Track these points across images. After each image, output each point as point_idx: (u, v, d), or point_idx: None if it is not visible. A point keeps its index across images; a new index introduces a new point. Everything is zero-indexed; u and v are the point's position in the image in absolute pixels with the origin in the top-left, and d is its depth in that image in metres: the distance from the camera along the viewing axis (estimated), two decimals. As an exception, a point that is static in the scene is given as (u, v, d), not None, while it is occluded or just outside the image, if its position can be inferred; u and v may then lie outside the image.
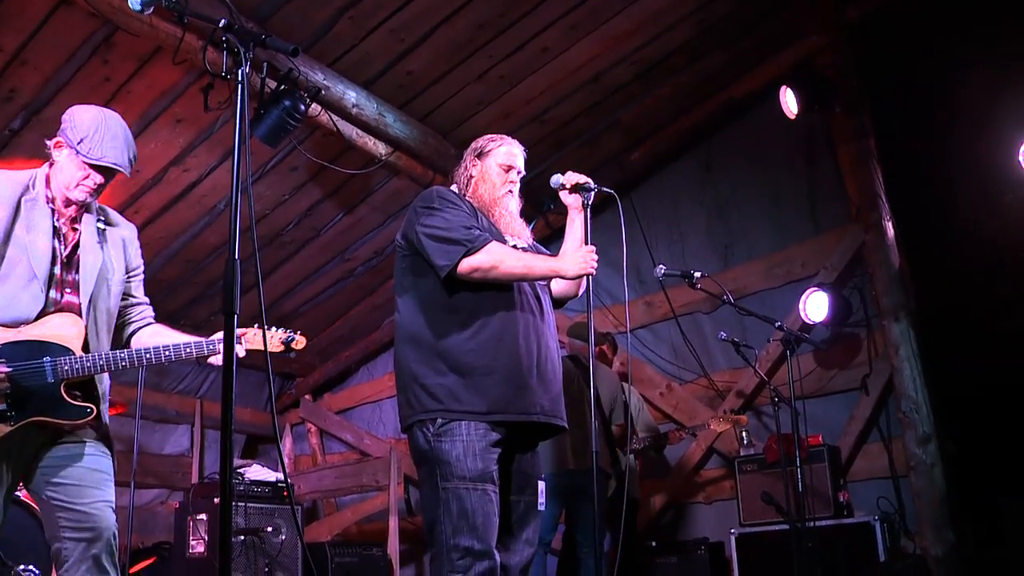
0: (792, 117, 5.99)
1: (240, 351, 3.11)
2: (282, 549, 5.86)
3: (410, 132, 5.93)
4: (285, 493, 6.06)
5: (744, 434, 6.11)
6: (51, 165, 3.03)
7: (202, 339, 3.14)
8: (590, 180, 3.35)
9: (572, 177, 3.36)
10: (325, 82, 5.27)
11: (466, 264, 3.09)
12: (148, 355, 3.04)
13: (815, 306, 5.90)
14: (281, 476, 6.16)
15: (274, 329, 3.26)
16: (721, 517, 6.23)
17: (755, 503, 5.67)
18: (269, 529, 5.81)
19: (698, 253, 6.81)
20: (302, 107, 5.07)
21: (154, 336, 3.20)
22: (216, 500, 5.63)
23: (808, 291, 5.97)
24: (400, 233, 3.33)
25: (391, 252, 7.18)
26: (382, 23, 5.13)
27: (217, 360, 3.13)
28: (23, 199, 2.95)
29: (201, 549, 5.66)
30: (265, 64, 4.89)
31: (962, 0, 5.45)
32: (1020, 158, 5.17)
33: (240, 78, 2.26)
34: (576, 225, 3.39)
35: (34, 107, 5.05)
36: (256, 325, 3.18)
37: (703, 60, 6.27)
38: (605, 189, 3.38)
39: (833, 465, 5.58)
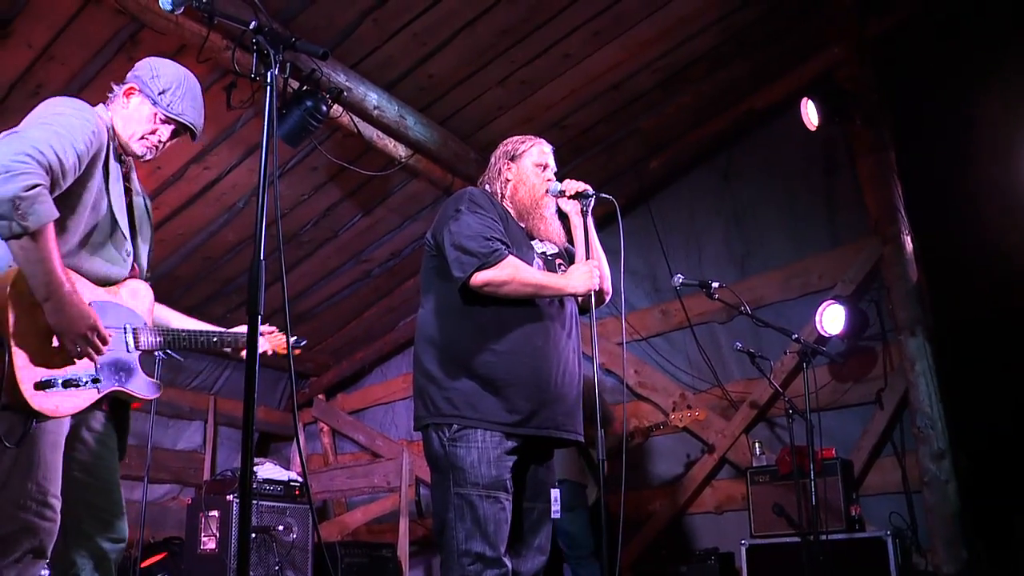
0: (813, 129, 5.97)
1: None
2: (293, 548, 5.88)
3: (430, 135, 5.95)
4: (297, 492, 6.08)
5: (757, 445, 6.11)
6: (111, 110, 2.83)
7: (222, 329, 3.10)
8: (588, 187, 3.35)
9: (571, 185, 3.36)
10: (347, 83, 5.29)
11: (478, 278, 3.10)
12: (203, 338, 2.97)
13: (831, 319, 5.89)
14: (294, 475, 6.18)
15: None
16: (732, 528, 6.21)
17: (767, 515, 5.65)
18: (280, 528, 5.84)
19: (715, 262, 6.80)
20: (324, 108, 5.10)
21: (182, 320, 3.10)
22: (228, 497, 5.66)
23: (825, 303, 5.95)
24: (430, 232, 3.33)
25: (408, 254, 7.20)
26: (405, 26, 5.15)
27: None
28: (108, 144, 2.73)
29: (212, 545, 5.67)
30: (288, 65, 4.91)
31: (984, 16, 5.44)
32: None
33: (269, 80, 2.28)
34: (579, 235, 3.39)
35: (59, 103, 5.08)
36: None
37: (725, 70, 6.27)
38: (604, 195, 3.36)
39: (846, 479, 5.56)
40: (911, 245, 5.84)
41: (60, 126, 2.49)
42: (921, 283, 5.77)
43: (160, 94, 2.79)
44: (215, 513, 5.73)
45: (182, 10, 2.37)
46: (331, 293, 7.65)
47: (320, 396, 8.85)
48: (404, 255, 7.25)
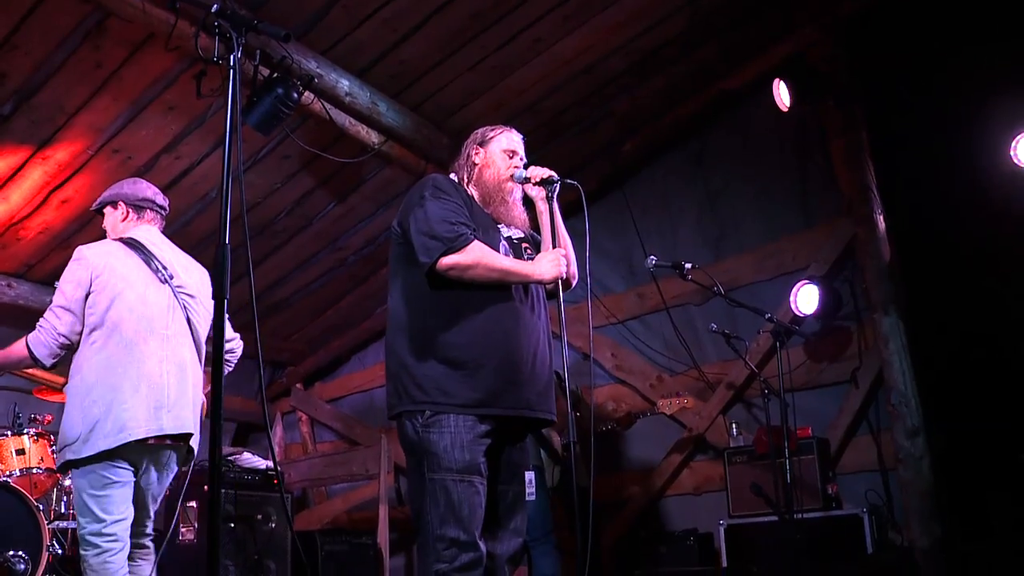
0: (785, 110, 5.99)
1: None
2: (272, 537, 5.87)
3: (403, 121, 5.92)
4: (275, 481, 6.06)
5: (734, 426, 6.14)
6: None
7: None
8: (554, 174, 3.37)
9: (537, 171, 3.38)
10: (318, 70, 5.25)
11: (444, 262, 3.10)
12: None
13: (806, 299, 5.92)
14: (271, 464, 6.16)
15: None
16: (710, 508, 6.24)
17: (744, 494, 5.69)
18: (259, 517, 5.82)
19: (689, 245, 6.81)
20: (295, 95, 5.05)
21: None
22: (206, 487, 5.63)
23: (799, 284, 5.99)
24: (396, 220, 3.34)
25: (383, 241, 7.17)
26: (376, 11, 5.11)
27: None
28: None
29: (191, 536, 5.66)
30: (258, 52, 4.87)
31: (956, -5, 5.47)
32: (1013, 153, 5.17)
33: (232, 63, 2.26)
34: (545, 221, 3.39)
35: (25, 92, 5.03)
36: None
37: (696, 52, 6.26)
38: (569, 182, 3.37)
39: (822, 457, 5.60)
40: (884, 225, 5.87)
41: None
42: (894, 262, 5.81)
43: None
44: (193, 504, 5.72)
45: (145, -6, 2.35)
46: (307, 282, 7.62)
47: (298, 385, 8.82)
48: (379, 242, 7.22)
